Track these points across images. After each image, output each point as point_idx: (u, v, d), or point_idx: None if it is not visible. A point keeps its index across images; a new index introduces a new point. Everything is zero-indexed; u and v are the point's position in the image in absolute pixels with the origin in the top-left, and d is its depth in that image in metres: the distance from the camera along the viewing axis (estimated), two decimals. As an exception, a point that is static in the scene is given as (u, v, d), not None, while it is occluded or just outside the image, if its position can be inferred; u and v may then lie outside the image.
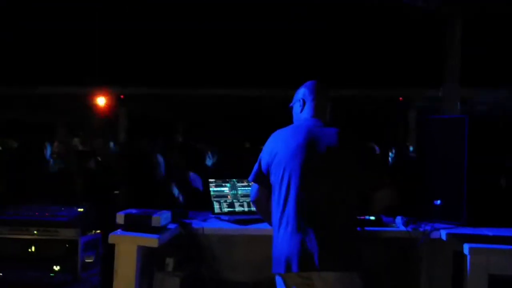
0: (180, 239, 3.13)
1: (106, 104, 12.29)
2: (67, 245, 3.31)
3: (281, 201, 2.45)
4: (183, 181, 4.54)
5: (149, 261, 3.09)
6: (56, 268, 3.29)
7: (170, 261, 3.17)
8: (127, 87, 12.14)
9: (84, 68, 11.25)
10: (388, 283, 3.26)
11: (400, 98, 12.25)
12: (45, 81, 11.58)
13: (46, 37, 10.97)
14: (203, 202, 3.61)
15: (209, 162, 5.81)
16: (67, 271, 3.29)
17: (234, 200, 3.50)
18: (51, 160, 5.51)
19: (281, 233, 2.43)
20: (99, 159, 5.86)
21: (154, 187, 4.29)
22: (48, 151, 5.19)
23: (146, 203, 3.27)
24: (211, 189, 3.49)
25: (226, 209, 3.44)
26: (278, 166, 2.49)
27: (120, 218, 2.93)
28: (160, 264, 3.19)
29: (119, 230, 2.93)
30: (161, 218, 2.91)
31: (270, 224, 2.61)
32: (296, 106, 2.70)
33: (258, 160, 2.64)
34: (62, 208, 3.48)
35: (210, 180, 3.54)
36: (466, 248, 2.75)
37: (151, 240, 2.84)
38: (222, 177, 3.68)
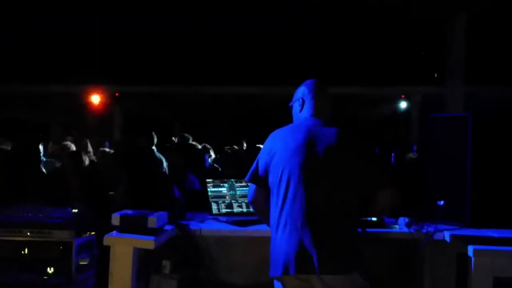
0: (177, 241, 3.13)
1: (101, 102, 12.27)
2: (61, 247, 3.30)
3: (280, 202, 2.45)
4: (181, 181, 4.54)
5: (145, 264, 3.09)
6: (50, 270, 3.29)
7: (167, 263, 3.17)
8: (123, 84, 12.12)
9: (78, 65, 11.23)
10: (390, 286, 3.26)
11: (403, 96, 12.25)
12: (38, 79, 11.56)
13: (38, 34, 10.96)
14: (201, 203, 3.61)
15: (207, 162, 5.81)
16: (61, 273, 3.28)
17: (233, 201, 3.50)
18: (45, 160, 5.51)
19: (279, 234, 2.43)
20: (94, 159, 5.86)
21: (150, 187, 4.28)
22: (42, 151, 5.18)
23: (142, 204, 3.27)
24: (208, 189, 3.49)
25: (224, 210, 3.44)
26: (276, 166, 2.49)
27: (115, 219, 2.93)
28: (156, 267, 3.19)
29: (114, 231, 2.93)
30: (158, 219, 2.91)
31: (269, 225, 2.61)
32: (296, 106, 2.71)
33: (256, 160, 2.64)
34: (56, 209, 3.48)
35: (207, 180, 3.54)
36: (470, 250, 2.75)
37: (148, 242, 2.84)
38: (220, 177, 3.68)
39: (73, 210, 3.47)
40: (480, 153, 3.20)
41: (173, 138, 8.12)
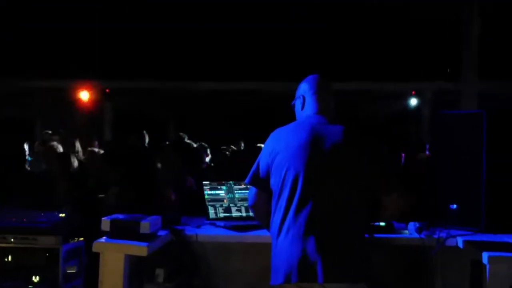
0: (172, 247, 3.13)
1: (90, 99, 12.26)
2: (47, 254, 3.30)
3: (282, 206, 2.45)
4: (177, 183, 4.54)
5: (137, 272, 3.09)
6: (35, 279, 3.29)
7: (160, 272, 3.17)
8: (114, 80, 12.11)
9: (65, 59, 11.22)
10: (399, 295, 3.26)
11: (413, 92, 12.25)
12: (21, 74, 11.55)
13: (22, 27, 10.94)
14: (197, 207, 3.61)
15: (204, 162, 5.81)
16: (47, 282, 3.29)
17: (231, 205, 3.50)
18: (31, 159, 5.52)
19: (280, 241, 2.43)
20: (82, 159, 5.86)
21: (143, 189, 4.28)
22: (27, 151, 5.19)
23: (134, 208, 3.28)
24: (205, 192, 3.49)
25: (222, 214, 3.44)
26: (279, 167, 2.49)
27: (105, 224, 2.93)
28: (149, 275, 3.19)
29: (104, 237, 2.93)
30: (151, 224, 2.91)
31: (269, 230, 2.60)
32: (297, 103, 2.71)
33: (257, 161, 2.63)
34: (42, 214, 3.48)
35: (204, 182, 3.55)
36: (485, 256, 2.75)
37: (140, 248, 2.84)
38: (218, 179, 3.69)
39: (60, 215, 3.47)
40: (496, 153, 3.20)
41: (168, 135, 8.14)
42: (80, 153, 6.47)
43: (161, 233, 3.06)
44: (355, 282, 2.34)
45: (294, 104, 2.74)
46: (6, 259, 3.32)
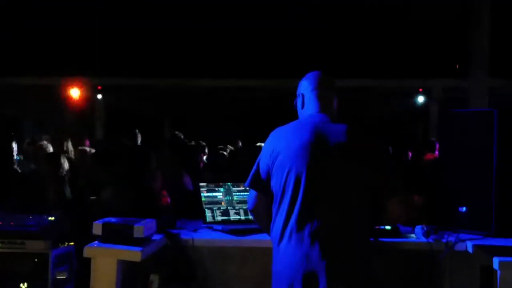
0: (167, 252, 3.13)
1: (81, 96, 12.26)
2: (35, 260, 3.29)
3: (284, 209, 2.44)
4: (174, 183, 4.54)
5: (130, 278, 3.09)
6: (23, 286, 3.28)
7: (155, 278, 3.17)
8: (105, 76, 12.12)
9: (54, 55, 11.22)
10: (406, 302, 3.26)
11: (420, 89, 12.27)
12: (9, 70, 11.54)
13: (10, 25, 10.93)
14: (193, 209, 3.61)
15: (201, 161, 5.81)
16: (35, 289, 3.28)
17: (229, 207, 3.50)
18: (19, 159, 5.50)
19: (282, 246, 2.42)
20: (73, 159, 5.85)
21: (137, 191, 4.27)
22: (15, 151, 5.17)
23: (127, 211, 3.27)
24: (202, 194, 3.48)
25: (219, 218, 3.44)
26: (280, 169, 2.48)
27: (97, 227, 2.93)
28: (143, 281, 3.18)
29: (96, 241, 2.93)
30: (145, 227, 2.90)
31: (270, 235, 2.60)
32: (298, 102, 2.70)
33: (256, 162, 2.62)
34: (30, 217, 3.47)
35: (201, 184, 3.54)
36: (495, 262, 2.74)
37: (133, 253, 2.83)
38: (215, 180, 3.68)
39: (50, 218, 3.46)
40: (507, 153, 3.20)
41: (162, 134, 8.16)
42: (71, 153, 6.46)
43: (156, 237, 3.06)
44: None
45: (296, 104, 2.74)
46: (-8, 265, 3.31)
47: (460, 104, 10.72)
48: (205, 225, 3.37)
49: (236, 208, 3.51)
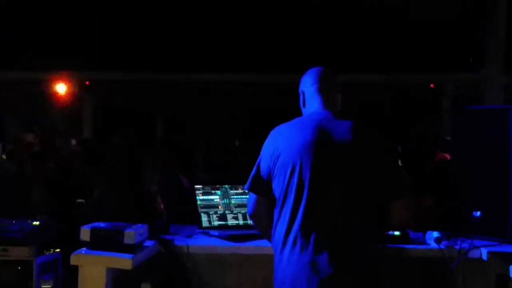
0: (160, 260, 3.13)
1: (67, 92, 12.26)
2: (19, 267, 3.30)
3: (287, 214, 2.44)
4: (168, 185, 4.54)
5: (121, 287, 3.09)
6: (6, 295, 3.29)
7: (147, 287, 3.17)
8: (94, 71, 12.11)
9: (39, 48, 11.20)
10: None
11: (432, 85, 12.27)
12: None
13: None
14: (188, 214, 3.61)
15: (196, 163, 5.82)
16: (19, 298, 3.28)
17: (226, 211, 3.50)
18: (2, 161, 5.51)
19: (286, 253, 2.42)
20: (59, 160, 5.85)
21: (128, 193, 4.28)
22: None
23: (118, 215, 3.27)
24: (198, 197, 3.49)
25: (216, 223, 3.44)
26: (281, 170, 2.47)
27: (85, 233, 2.93)
28: (134, 291, 3.19)
29: (84, 248, 2.93)
30: (136, 233, 2.90)
31: (272, 242, 2.60)
32: (300, 100, 2.70)
33: (256, 163, 2.62)
34: (13, 221, 3.47)
35: (196, 186, 3.54)
36: (512, 270, 2.76)
37: (124, 261, 2.83)
38: (212, 182, 3.68)
39: (34, 223, 3.46)
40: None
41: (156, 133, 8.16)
42: (59, 152, 6.46)
43: (148, 243, 3.06)
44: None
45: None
46: (-27, 273, 3.32)
47: (473, 101, 10.73)
48: (200, 231, 3.38)
49: (234, 212, 3.51)
